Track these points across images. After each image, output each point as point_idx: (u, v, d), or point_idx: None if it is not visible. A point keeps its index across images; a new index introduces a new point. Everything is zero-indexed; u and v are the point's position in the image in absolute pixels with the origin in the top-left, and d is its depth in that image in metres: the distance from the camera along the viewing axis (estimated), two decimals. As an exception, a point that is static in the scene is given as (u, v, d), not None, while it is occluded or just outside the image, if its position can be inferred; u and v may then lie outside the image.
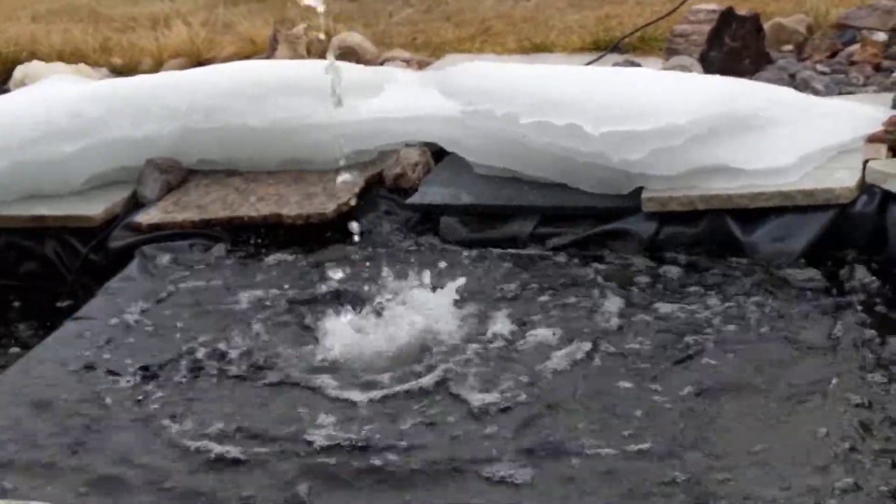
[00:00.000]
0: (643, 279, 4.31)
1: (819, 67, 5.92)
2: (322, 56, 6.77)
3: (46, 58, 7.32)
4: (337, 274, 4.43)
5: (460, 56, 6.64)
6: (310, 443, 3.48)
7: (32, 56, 7.38)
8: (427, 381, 3.75)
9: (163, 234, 4.96)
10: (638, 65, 6.01)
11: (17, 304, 5.02)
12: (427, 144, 5.19)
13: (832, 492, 3.07)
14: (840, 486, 3.09)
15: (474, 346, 3.93)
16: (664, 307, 4.09)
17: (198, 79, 5.53)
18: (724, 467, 3.23)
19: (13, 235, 5.20)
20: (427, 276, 4.22)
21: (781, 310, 4.01)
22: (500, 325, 4.05)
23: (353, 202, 4.94)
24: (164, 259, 4.79)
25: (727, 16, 6.00)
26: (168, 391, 3.88)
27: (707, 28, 5.93)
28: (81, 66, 7.12)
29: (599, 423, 3.47)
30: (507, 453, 3.36)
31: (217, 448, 3.49)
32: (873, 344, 3.76)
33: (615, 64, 6.07)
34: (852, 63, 5.94)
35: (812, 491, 3.09)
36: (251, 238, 4.92)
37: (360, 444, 3.45)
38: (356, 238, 4.66)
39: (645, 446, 3.33)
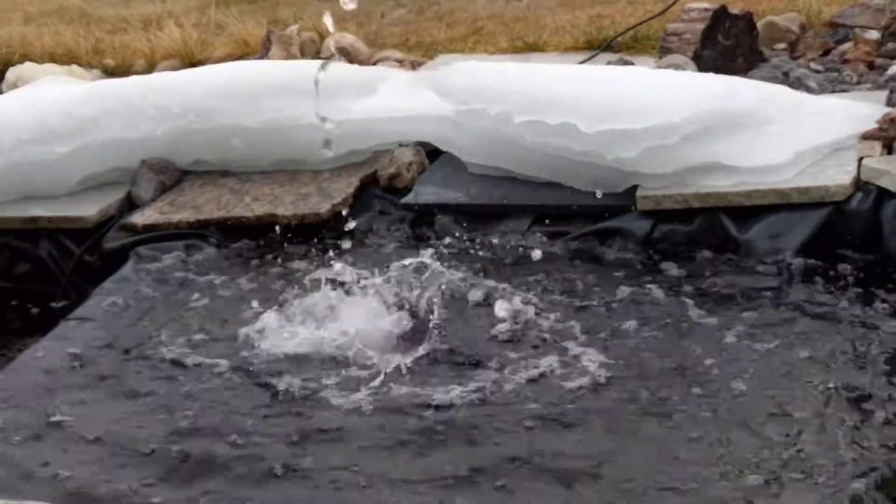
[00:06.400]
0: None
1: (812, 65, 5.94)
2: (316, 56, 6.80)
3: (38, 59, 7.33)
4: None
5: (453, 56, 6.65)
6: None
7: (24, 58, 7.37)
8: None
9: (157, 234, 4.95)
10: (631, 63, 6.02)
11: (11, 305, 5.01)
12: (421, 144, 5.19)
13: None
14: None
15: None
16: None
17: (191, 80, 5.52)
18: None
19: (7, 236, 5.19)
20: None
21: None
22: None
23: (347, 202, 4.94)
24: (159, 259, 4.78)
25: (720, 14, 6.01)
26: (164, 391, 3.87)
27: (700, 27, 5.94)
28: (74, 67, 7.13)
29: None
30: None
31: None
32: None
33: (609, 63, 6.08)
34: (845, 61, 5.95)
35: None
36: (245, 238, 4.91)
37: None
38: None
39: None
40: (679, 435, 3.40)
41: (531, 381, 3.72)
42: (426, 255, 4.29)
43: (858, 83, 5.65)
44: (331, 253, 4.50)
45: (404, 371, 3.80)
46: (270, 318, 4.17)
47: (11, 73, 7.03)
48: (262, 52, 6.81)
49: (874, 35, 6.11)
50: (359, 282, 4.23)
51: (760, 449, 3.28)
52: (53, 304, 4.91)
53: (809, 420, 3.40)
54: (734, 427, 3.40)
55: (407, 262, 4.27)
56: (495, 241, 4.65)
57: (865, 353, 3.72)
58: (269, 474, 3.37)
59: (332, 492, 3.29)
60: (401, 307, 4.15)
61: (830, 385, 3.55)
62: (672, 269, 4.36)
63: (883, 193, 4.35)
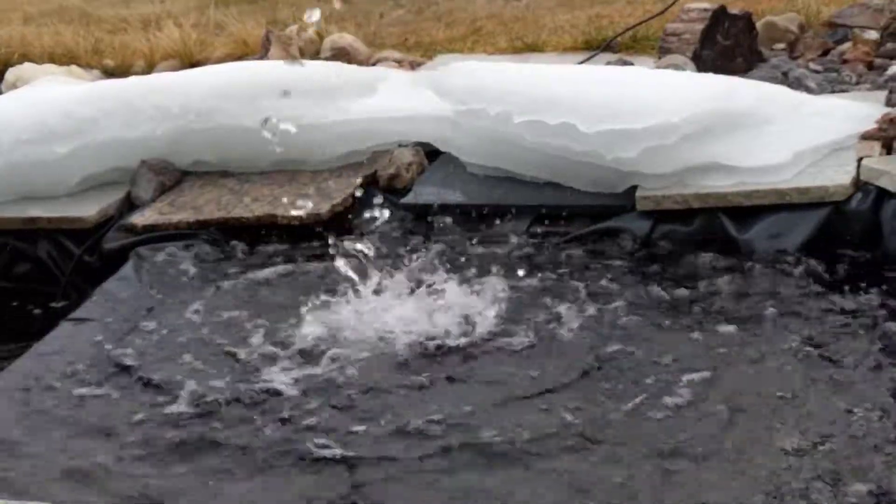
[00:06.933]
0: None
1: (811, 66, 5.94)
2: (315, 56, 6.80)
3: (38, 59, 7.33)
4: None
5: (452, 56, 6.65)
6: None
7: (24, 58, 7.37)
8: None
9: (157, 235, 4.95)
10: (631, 64, 6.02)
11: (10, 305, 5.00)
12: (420, 144, 5.19)
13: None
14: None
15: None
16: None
17: (191, 80, 5.53)
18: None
19: (6, 236, 5.19)
20: None
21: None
22: None
23: (346, 203, 4.94)
24: (159, 260, 4.78)
25: (719, 14, 6.02)
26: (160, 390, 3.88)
27: (700, 27, 5.94)
28: (73, 67, 7.13)
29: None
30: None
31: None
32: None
33: (608, 63, 6.08)
34: (844, 61, 5.96)
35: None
36: (245, 239, 4.91)
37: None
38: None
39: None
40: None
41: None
42: (427, 258, 4.30)
43: (857, 83, 5.65)
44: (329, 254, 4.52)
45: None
46: None
47: (11, 74, 7.03)
48: (262, 52, 6.81)
49: (873, 35, 6.11)
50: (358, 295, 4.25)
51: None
52: (53, 305, 4.91)
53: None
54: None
55: (408, 263, 4.29)
56: (495, 241, 4.66)
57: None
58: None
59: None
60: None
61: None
62: (675, 272, 4.37)
63: (882, 193, 4.35)
